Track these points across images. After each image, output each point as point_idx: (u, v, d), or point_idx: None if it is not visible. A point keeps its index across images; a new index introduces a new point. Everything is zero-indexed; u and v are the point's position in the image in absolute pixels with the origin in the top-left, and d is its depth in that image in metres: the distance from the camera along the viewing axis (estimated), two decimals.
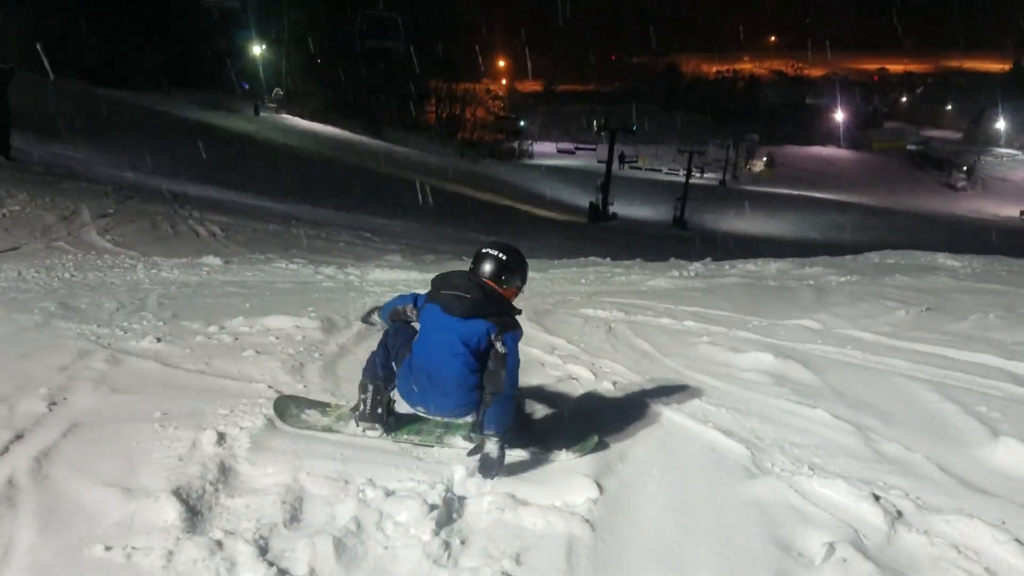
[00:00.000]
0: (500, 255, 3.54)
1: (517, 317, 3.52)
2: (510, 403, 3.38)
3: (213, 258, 9.86)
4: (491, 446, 3.26)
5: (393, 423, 3.72)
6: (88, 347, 4.78)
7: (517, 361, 3.41)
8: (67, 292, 6.82)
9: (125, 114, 35.96)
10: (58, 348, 4.73)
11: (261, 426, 3.61)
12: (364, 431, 3.64)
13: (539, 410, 4.23)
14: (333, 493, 3.06)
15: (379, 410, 3.63)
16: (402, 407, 3.70)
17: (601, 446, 3.64)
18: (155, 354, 4.77)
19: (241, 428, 3.56)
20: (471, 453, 3.42)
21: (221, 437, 3.42)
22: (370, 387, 3.63)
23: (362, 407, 3.63)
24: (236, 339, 5.24)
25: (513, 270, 3.56)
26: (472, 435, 3.59)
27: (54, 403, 3.75)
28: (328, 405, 3.97)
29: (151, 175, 21.32)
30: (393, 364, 3.66)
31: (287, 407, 3.85)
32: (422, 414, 3.58)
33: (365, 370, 3.71)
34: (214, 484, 3.04)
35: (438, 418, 3.60)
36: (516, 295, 3.63)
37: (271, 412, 3.80)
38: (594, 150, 72.39)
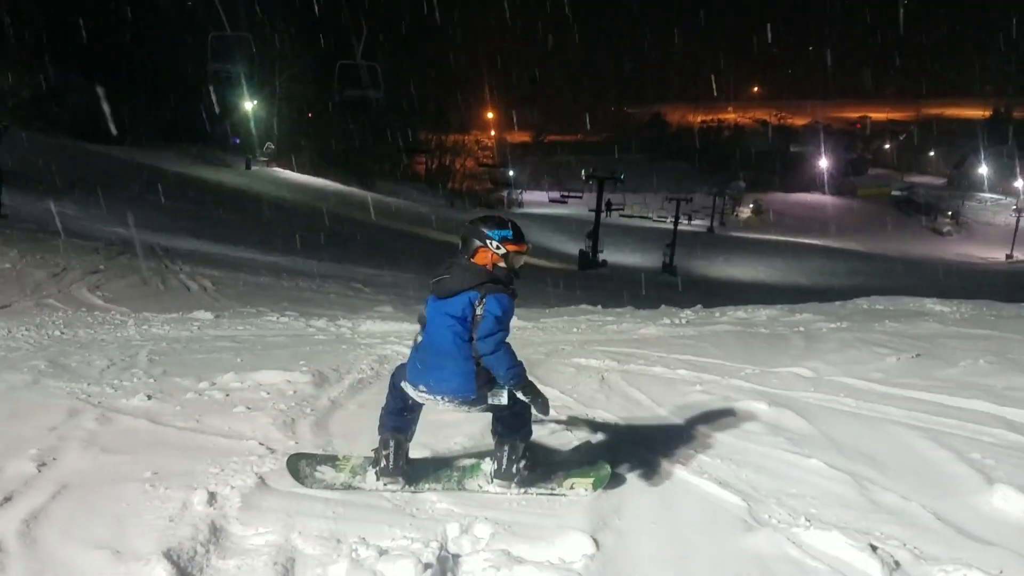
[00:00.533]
0: (460, 235, 3.68)
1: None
2: (494, 358, 3.47)
3: (204, 312, 9.82)
4: (518, 394, 3.51)
5: (411, 473, 3.76)
6: (78, 406, 4.75)
7: (492, 320, 3.46)
8: (57, 350, 6.78)
9: (117, 170, 36.14)
10: (48, 407, 4.69)
11: (252, 484, 3.58)
12: (385, 485, 3.67)
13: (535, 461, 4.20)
14: (325, 553, 3.02)
15: (400, 463, 3.70)
16: (415, 453, 3.85)
17: (613, 479, 3.74)
18: (145, 412, 4.74)
19: (232, 487, 3.53)
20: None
21: (212, 497, 3.39)
22: (391, 442, 3.70)
23: (384, 463, 3.68)
24: (227, 395, 5.21)
25: (469, 234, 3.61)
26: (495, 480, 3.70)
27: (44, 464, 3.72)
28: (338, 458, 3.98)
29: (142, 230, 21.34)
30: (406, 413, 3.77)
31: (299, 468, 3.80)
32: (423, 393, 3.62)
33: (381, 427, 3.76)
34: (205, 545, 3.01)
35: (439, 399, 3.61)
36: (488, 253, 3.57)
37: (262, 470, 3.77)
38: (580, 198, 71.60)
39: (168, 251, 17.55)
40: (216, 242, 21.81)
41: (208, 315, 9.66)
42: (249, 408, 4.89)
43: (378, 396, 5.39)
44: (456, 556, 3.04)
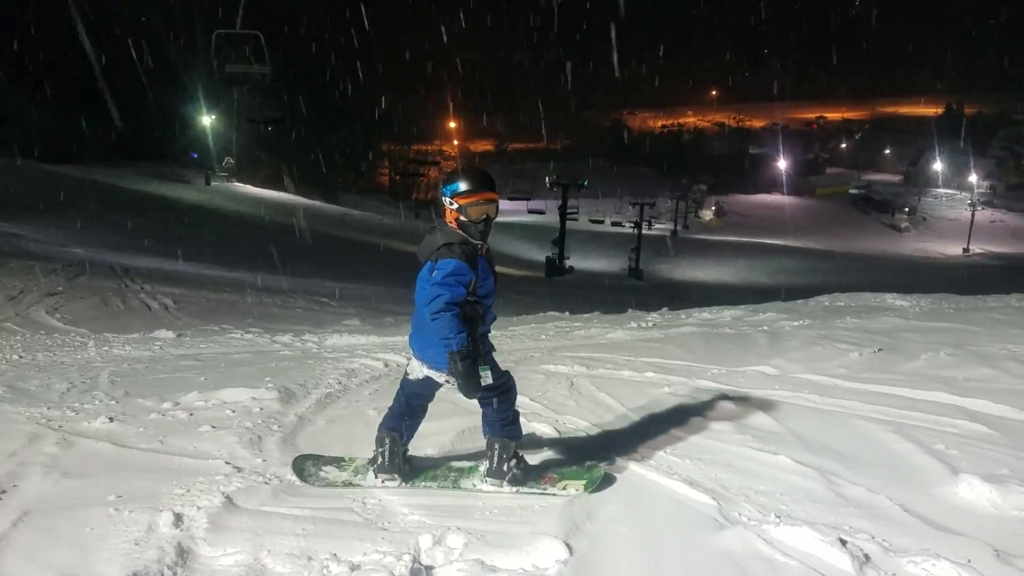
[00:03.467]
0: None
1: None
2: (434, 325, 3.42)
3: (166, 332, 9.69)
4: (454, 367, 3.44)
5: (409, 471, 3.83)
6: (38, 431, 4.64)
7: (430, 287, 3.43)
8: (15, 374, 6.64)
9: (75, 189, 35.52)
10: (7, 433, 4.58)
11: (219, 504, 3.52)
12: (383, 482, 3.75)
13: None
14: (296, 571, 2.98)
15: (396, 460, 3.77)
16: (415, 453, 3.92)
17: (607, 481, 3.78)
18: (108, 434, 4.64)
19: (199, 508, 3.46)
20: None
21: (178, 518, 3.33)
22: (387, 440, 3.77)
23: (380, 460, 3.77)
24: (191, 415, 5.13)
25: (438, 197, 3.59)
26: (487, 480, 3.74)
27: (3, 491, 3.63)
28: (343, 459, 4.05)
29: (102, 250, 21.00)
30: (406, 418, 3.84)
31: (304, 467, 3.92)
32: (413, 358, 3.72)
33: (381, 424, 3.85)
34: (172, 568, 2.95)
35: (424, 365, 3.66)
36: (449, 211, 3.54)
37: (229, 489, 3.71)
38: (528, 200, 67.21)
39: (128, 270, 17.28)
40: (177, 260, 21.51)
41: (170, 334, 9.53)
42: (214, 427, 4.82)
43: (346, 410, 5.38)
44: (429, 568, 3.01)
